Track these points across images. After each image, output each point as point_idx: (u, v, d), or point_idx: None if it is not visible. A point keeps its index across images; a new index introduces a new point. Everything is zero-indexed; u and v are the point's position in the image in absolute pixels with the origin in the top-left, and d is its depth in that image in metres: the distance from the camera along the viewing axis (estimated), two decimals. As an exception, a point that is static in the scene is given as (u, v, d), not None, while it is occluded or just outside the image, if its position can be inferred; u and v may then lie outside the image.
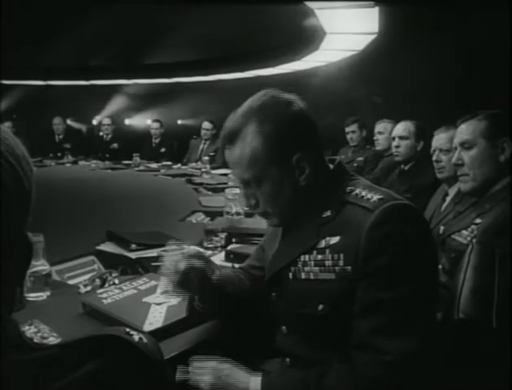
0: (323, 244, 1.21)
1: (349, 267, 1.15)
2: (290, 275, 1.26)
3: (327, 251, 1.19)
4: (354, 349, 1.13)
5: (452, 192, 2.61)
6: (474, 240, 1.74)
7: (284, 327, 1.31)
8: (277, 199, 1.27)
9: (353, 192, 1.22)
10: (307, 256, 1.23)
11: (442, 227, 2.33)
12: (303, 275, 1.23)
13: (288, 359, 1.32)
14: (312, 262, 1.22)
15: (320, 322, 1.21)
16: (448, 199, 2.63)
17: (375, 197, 1.17)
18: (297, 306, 1.26)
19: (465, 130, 1.99)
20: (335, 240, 1.19)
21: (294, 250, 1.27)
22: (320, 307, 1.19)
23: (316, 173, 1.25)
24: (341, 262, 1.17)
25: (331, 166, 1.32)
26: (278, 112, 1.23)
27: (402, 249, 1.11)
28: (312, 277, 1.22)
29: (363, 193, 1.21)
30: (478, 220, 1.90)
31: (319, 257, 1.21)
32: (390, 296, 1.10)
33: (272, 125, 1.22)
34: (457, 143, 2.02)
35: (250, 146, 1.22)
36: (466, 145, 1.97)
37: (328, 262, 1.19)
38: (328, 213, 1.23)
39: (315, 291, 1.21)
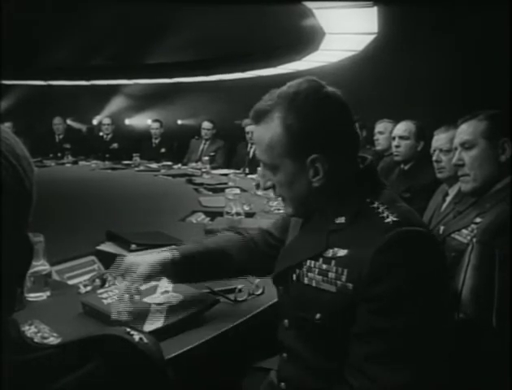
0: (330, 253, 1.17)
1: (350, 285, 1.12)
2: (294, 276, 1.25)
3: (333, 262, 1.16)
4: (347, 372, 1.11)
5: (452, 192, 2.61)
6: (474, 240, 1.74)
7: (286, 321, 1.31)
8: (289, 191, 1.24)
9: (372, 205, 1.17)
10: (313, 262, 1.21)
11: (442, 227, 2.33)
12: (306, 280, 1.22)
13: (285, 354, 1.33)
14: (316, 270, 1.19)
15: (316, 329, 1.20)
16: (448, 199, 2.63)
17: (391, 218, 1.12)
18: (297, 308, 1.26)
19: (465, 130, 1.99)
20: (342, 252, 1.15)
21: (302, 252, 1.25)
22: (318, 316, 1.18)
23: (333, 176, 1.19)
24: (344, 278, 1.13)
25: (358, 168, 1.26)
26: (308, 106, 1.18)
27: (407, 278, 1.07)
28: (314, 284, 1.19)
29: (381, 209, 1.15)
30: (478, 219, 1.90)
31: (324, 266, 1.18)
32: (389, 325, 1.06)
33: (297, 118, 1.17)
34: (457, 143, 2.02)
35: (271, 132, 1.20)
36: (466, 146, 1.97)
37: (331, 274, 1.16)
38: (342, 219, 1.19)
39: (315, 299, 1.19)
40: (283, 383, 1.32)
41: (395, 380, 1.05)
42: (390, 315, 1.07)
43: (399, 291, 1.06)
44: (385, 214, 1.13)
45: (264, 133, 1.22)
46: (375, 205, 1.16)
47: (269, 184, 1.29)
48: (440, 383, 1.10)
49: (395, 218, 1.12)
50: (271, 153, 1.21)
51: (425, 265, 1.09)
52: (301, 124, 1.17)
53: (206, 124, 6.50)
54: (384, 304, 1.07)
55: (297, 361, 1.28)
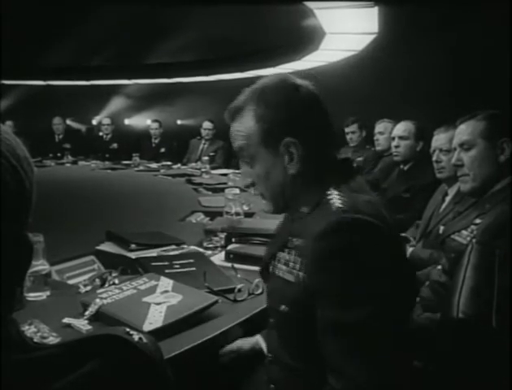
0: (291, 243, 1.21)
1: (301, 273, 1.14)
2: (271, 269, 1.28)
3: (293, 252, 1.19)
4: (327, 373, 1.09)
5: (451, 192, 2.61)
6: (474, 240, 1.74)
7: (271, 320, 1.32)
8: (266, 182, 1.27)
9: (329, 194, 1.18)
10: (281, 253, 1.24)
11: (442, 228, 2.33)
12: (276, 272, 1.24)
13: (270, 355, 1.34)
14: (282, 260, 1.22)
15: (284, 322, 1.22)
16: (447, 199, 2.63)
17: (336, 206, 1.13)
18: (271, 301, 1.29)
19: (464, 130, 1.99)
20: (298, 242, 1.18)
21: (274, 245, 1.29)
22: (282, 307, 1.20)
23: (308, 163, 1.22)
24: (298, 267, 1.16)
25: (333, 160, 1.29)
26: (276, 95, 1.23)
27: (346, 266, 1.06)
28: (281, 275, 1.22)
29: (333, 197, 1.16)
30: (478, 220, 1.90)
31: (287, 256, 1.21)
32: (343, 318, 1.04)
33: (266, 108, 1.22)
34: (456, 144, 2.02)
35: (245, 125, 1.25)
36: (465, 146, 1.97)
37: (291, 264, 1.18)
38: (304, 209, 1.22)
39: (281, 290, 1.22)
40: (272, 386, 1.32)
41: (364, 373, 1.03)
42: (339, 307, 1.06)
43: (340, 280, 1.06)
44: (334, 202, 1.14)
45: (239, 128, 1.27)
46: (332, 194, 1.17)
47: (249, 180, 1.32)
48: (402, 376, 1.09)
49: (339, 205, 1.12)
50: (246, 145, 1.26)
51: (364, 253, 1.07)
52: (271, 113, 1.22)
53: (207, 124, 6.51)
54: (330, 295, 1.07)
55: (278, 361, 1.28)
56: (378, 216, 1.12)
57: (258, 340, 1.51)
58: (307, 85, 1.26)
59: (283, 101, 1.22)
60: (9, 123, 6.42)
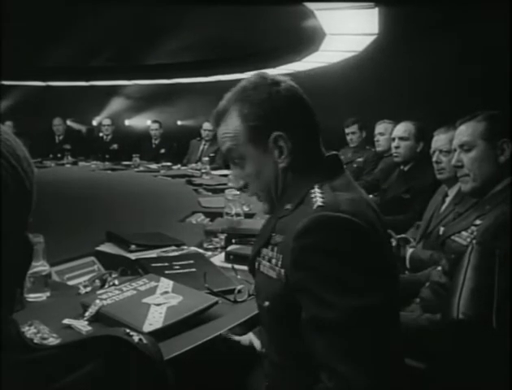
0: (273, 240, 1.21)
1: (282, 270, 1.14)
2: (256, 265, 1.28)
3: (275, 249, 1.19)
4: (320, 370, 1.08)
5: (452, 193, 2.61)
6: (474, 242, 1.75)
7: (260, 316, 1.33)
8: (260, 181, 1.27)
9: (311, 193, 1.18)
10: (264, 250, 1.24)
11: (442, 229, 2.33)
12: (261, 268, 1.25)
13: (263, 350, 1.36)
14: (266, 257, 1.23)
15: (268, 319, 1.23)
16: (447, 200, 2.63)
17: (317, 204, 1.13)
18: (257, 297, 1.30)
19: (464, 131, 1.99)
20: (280, 238, 1.19)
21: (260, 242, 1.30)
22: (266, 303, 1.21)
23: (297, 155, 1.23)
24: (280, 263, 1.16)
25: (321, 156, 1.29)
26: (258, 93, 1.24)
27: (326, 262, 1.06)
28: (265, 272, 1.22)
29: (315, 195, 1.17)
30: (478, 221, 1.90)
31: (270, 253, 1.21)
32: (322, 314, 1.04)
33: (250, 107, 1.23)
34: (456, 145, 2.02)
35: (231, 125, 1.26)
36: (465, 147, 1.97)
37: (273, 261, 1.19)
38: (288, 206, 1.22)
39: (264, 286, 1.23)
40: (267, 382, 1.32)
41: (362, 379, 1.01)
42: (319, 304, 1.05)
43: (319, 277, 1.06)
44: (316, 200, 1.15)
45: (226, 129, 1.28)
46: (315, 191, 1.18)
47: (241, 183, 1.32)
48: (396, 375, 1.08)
49: (320, 203, 1.13)
50: (235, 145, 1.27)
51: (342, 251, 1.07)
52: (255, 110, 1.23)
53: (207, 125, 6.51)
54: (310, 292, 1.07)
55: (269, 358, 1.29)
56: (359, 214, 1.12)
57: (250, 337, 1.53)
58: (286, 80, 1.28)
59: (265, 97, 1.23)
60: (8, 123, 6.42)
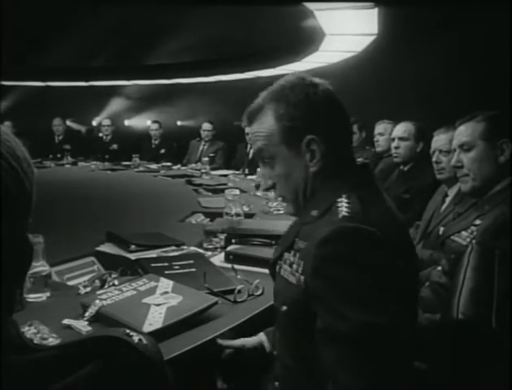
0: (296, 246, 1.20)
1: (302, 277, 1.13)
2: (277, 268, 1.28)
3: (297, 255, 1.18)
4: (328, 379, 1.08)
5: (451, 193, 2.61)
6: (473, 242, 1.75)
7: (276, 319, 1.32)
8: (289, 182, 1.26)
9: (340, 200, 1.17)
10: (286, 254, 1.24)
11: (442, 229, 2.33)
12: (282, 272, 1.24)
13: (275, 352, 1.34)
14: (288, 261, 1.22)
15: (284, 323, 1.23)
16: (447, 200, 2.63)
17: (342, 214, 1.12)
18: (275, 300, 1.30)
19: (463, 132, 1.99)
20: (303, 245, 1.17)
21: (283, 245, 1.29)
22: (283, 308, 1.20)
23: (328, 160, 1.22)
24: (300, 270, 1.15)
25: (352, 162, 1.29)
26: (295, 93, 1.23)
27: (345, 273, 1.05)
28: (285, 276, 1.21)
29: (342, 205, 1.15)
30: (477, 221, 1.90)
31: (292, 258, 1.20)
32: (335, 325, 1.03)
33: (286, 107, 1.22)
34: (455, 145, 2.02)
35: (265, 125, 1.25)
36: (465, 147, 1.97)
37: (294, 266, 1.17)
38: (314, 213, 1.20)
39: (283, 290, 1.22)
40: (276, 383, 1.32)
41: (357, 384, 1.01)
42: (333, 315, 1.04)
43: (336, 288, 1.05)
44: (341, 209, 1.14)
45: (259, 129, 1.27)
46: (343, 199, 1.16)
47: (269, 183, 1.31)
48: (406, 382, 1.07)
49: (345, 214, 1.12)
50: (267, 145, 1.25)
51: (363, 263, 1.05)
52: (291, 111, 1.22)
53: (206, 125, 6.51)
54: (325, 301, 1.06)
55: (281, 360, 1.28)
56: (384, 228, 1.10)
57: (261, 338, 1.51)
58: (324, 83, 1.26)
59: (303, 99, 1.22)
60: (7, 123, 6.41)
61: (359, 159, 1.38)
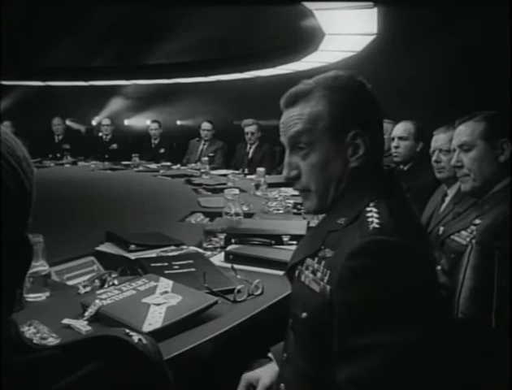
0: (322, 253, 1.16)
1: (328, 287, 1.09)
2: (297, 273, 1.24)
3: (323, 263, 1.14)
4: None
5: (451, 192, 2.61)
6: (473, 241, 1.75)
7: (290, 320, 1.29)
8: (322, 173, 1.21)
9: (369, 209, 1.13)
10: (310, 260, 1.19)
11: (442, 228, 2.33)
12: (302, 277, 1.20)
13: (285, 354, 1.32)
14: (310, 268, 1.18)
15: (304, 330, 1.19)
16: (447, 199, 2.63)
17: (373, 225, 1.07)
18: (293, 305, 1.26)
19: (463, 132, 1.99)
20: (330, 254, 1.13)
21: (304, 250, 1.25)
22: (304, 315, 1.17)
23: (369, 160, 1.20)
24: (326, 279, 1.10)
25: (381, 168, 1.27)
26: (350, 85, 1.23)
27: (373, 289, 1.01)
28: (307, 282, 1.18)
29: (372, 215, 1.11)
30: (477, 221, 1.90)
31: (316, 265, 1.16)
32: (359, 340, 1.00)
33: (340, 94, 1.20)
34: (455, 145, 2.02)
35: (313, 109, 1.20)
36: (465, 147, 1.97)
37: (319, 274, 1.13)
38: (342, 220, 1.16)
39: (304, 297, 1.18)
40: (282, 385, 1.30)
41: None
42: (358, 329, 1.01)
43: (365, 301, 1.01)
44: (372, 220, 1.09)
45: (303, 110, 1.21)
46: (372, 209, 1.13)
47: (294, 172, 1.25)
48: None
49: (376, 225, 1.08)
50: (309, 129, 1.20)
51: (394, 278, 1.01)
52: (346, 100, 1.20)
53: (206, 125, 6.51)
54: (351, 314, 1.03)
55: (292, 363, 1.27)
56: (412, 238, 1.09)
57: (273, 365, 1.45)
58: (369, 85, 1.27)
59: (357, 91, 1.23)
60: (6, 123, 6.41)
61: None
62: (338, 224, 1.16)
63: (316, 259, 1.17)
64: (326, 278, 1.11)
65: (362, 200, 1.16)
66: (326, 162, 1.20)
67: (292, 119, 1.23)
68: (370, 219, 1.10)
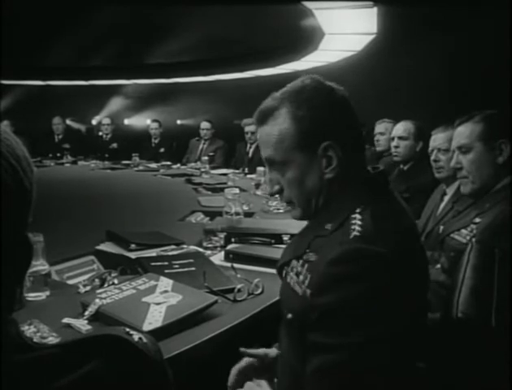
0: (306, 256, 1.16)
1: (309, 291, 1.10)
2: (284, 273, 1.26)
3: (306, 266, 1.14)
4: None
5: (450, 191, 2.61)
6: (473, 240, 1.75)
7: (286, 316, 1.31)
8: (300, 188, 1.21)
9: (353, 216, 1.12)
10: (295, 262, 1.20)
11: (441, 227, 2.33)
12: (288, 278, 1.21)
13: (280, 351, 1.34)
14: (295, 270, 1.18)
15: (288, 327, 1.21)
16: (446, 199, 2.63)
17: (354, 233, 1.08)
18: (281, 304, 1.27)
19: (462, 133, 1.99)
20: (313, 258, 1.14)
21: (291, 252, 1.26)
22: (289, 316, 1.18)
23: (345, 168, 1.17)
24: (307, 282, 1.11)
25: (365, 172, 1.24)
26: (316, 96, 1.19)
27: (348, 293, 1.02)
28: (291, 284, 1.18)
29: (355, 222, 1.11)
30: (477, 219, 1.90)
31: (299, 268, 1.16)
32: (334, 341, 1.03)
33: (306, 109, 1.17)
34: (454, 146, 2.03)
35: (280, 127, 1.19)
36: (463, 149, 1.98)
37: (301, 277, 1.14)
38: (328, 226, 1.16)
39: (288, 298, 1.19)
40: (276, 379, 1.32)
41: None
42: (327, 331, 1.04)
43: (336, 305, 1.03)
44: (353, 227, 1.10)
45: (272, 130, 1.21)
46: (356, 216, 1.12)
47: (277, 188, 1.26)
48: None
49: (357, 233, 1.08)
50: (280, 148, 1.20)
51: (368, 285, 1.03)
52: (311, 114, 1.17)
53: (204, 124, 6.52)
54: (321, 317, 1.05)
55: (284, 358, 1.28)
56: (396, 247, 1.08)
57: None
58: (341, 89, 1.23)
59: (324, 102, 1.18)
60: (6, 122, 6.40)
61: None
62: (325, 229, 1.17)
63: (301, 262, 1.17)
64: (307, 281, 1.11)
65: (346, 207, 1.16)
66: (302, 177, 1.20)
67: (263, 139, 1.24)
68: (352, 227, 1.10)
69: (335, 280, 1.05)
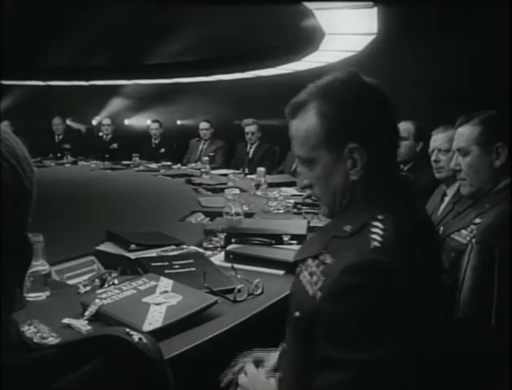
0: (322, 257, 1.14)
1: (319, 293, 1.08)
2: (298, 270, 1.24)
3: (321, 267, 1.12)
4: None
5: (450, 192, 2.61)
6: (473, 240, 1.75)
7: (290, 313, 1.29)
8: (325, 186, 1.19)
9: (374, 222, 1.09)
10: (310, 261, 1.18)
11: (442, 228, 2.33)
12: (301, 276, 1.20)
13: (284, 345, 1.32)
14: (309, 269, 1.17)
15: (295, 325, 1.19)
16: (446, 199, 2.63)
17: (374, 244, 1.05)
18: (290, 300, 1.26)
19: (461, 136, 2.00)
20: (329, 260, 1.11)
21: (307, 250, 1.25)
22: (297, 314, 1.17)
23: (371, 170, 1.14)
24: (320, 285, 1.09)
25: (395, 175, 1.22)
26: (344, 92, 1.15)
27: (361, 306, 1.00)
28: (303, 282, 1.17)
29: (376, 231, 1.08)
30: (477, 220, 1.90)
31: (314, 268, 1.15)
32: (343, 356, 1.00)
33: (332, 106, 1.13)
34: (454, 148, 2.03)
35: (307, 123, 1.16)
36: (462, 152, 1.98)
37: (314, 278, 1.12)
38: (348, 228, 1.13)
39: (299, 296, 1.18)
40: (278, 373, 1.31)
41: None
42: (337, 344, 1.01)
43: (348, 317, 1.01)
44: (374, 237, 1.07)
45: (300, 126, 1.18)
46: (378, 224, 1.09)
47: (306, 182, 1.24)
48: None
49: (377, 244, 1.05)
50: (307, 145, 1.18)
51: (381, 300, 1.00)
52: (337, 111, 1.13)
53: (203, 124, 6.52)
54: (333, 327, 1.03)
55: (288, 353, 1.27)
56: (415, 262, 1.06)
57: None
58: (377, 84, 1.18)
59: (350, 100, 1.14)
60: (5, 122, 6.41)
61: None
62: (344, 231, 1.14)
63: (316, 262, 1.16)
64: (319, 283, 1.10)
65: (367, 212, 1.13)
66: (327, 176, 1.18)
67: (293, 134, 1.22)
68: (373, 236, 1.07)
69: (348, 289, 1.02)
